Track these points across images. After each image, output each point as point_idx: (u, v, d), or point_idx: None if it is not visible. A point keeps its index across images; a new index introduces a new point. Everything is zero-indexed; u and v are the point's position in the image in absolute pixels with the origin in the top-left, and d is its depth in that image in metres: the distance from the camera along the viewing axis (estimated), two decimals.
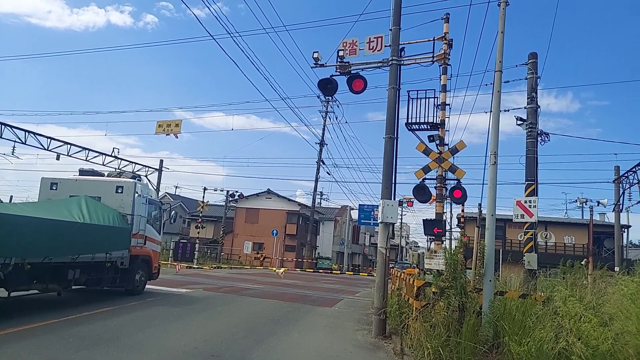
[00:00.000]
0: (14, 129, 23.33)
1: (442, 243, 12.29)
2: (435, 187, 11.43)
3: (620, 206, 22.88)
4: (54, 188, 11.30)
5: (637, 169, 20.28)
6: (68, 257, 8.91)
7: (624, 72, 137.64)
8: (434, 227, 10.62)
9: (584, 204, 24.32)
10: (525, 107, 12.30)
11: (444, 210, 12.77)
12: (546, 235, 32.79)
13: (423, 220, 10.94)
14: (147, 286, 12.46)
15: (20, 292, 8.50)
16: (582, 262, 14.20)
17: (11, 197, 27.44)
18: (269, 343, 7.35)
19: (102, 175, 12.41)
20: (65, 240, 8.68)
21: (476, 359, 6.20)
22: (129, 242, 10.80)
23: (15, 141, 23.47)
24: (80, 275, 9.58)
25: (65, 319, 7.91)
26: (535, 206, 9.49)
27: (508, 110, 12.45)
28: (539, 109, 12.26)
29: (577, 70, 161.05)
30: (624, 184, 21.90)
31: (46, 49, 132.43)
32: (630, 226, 32.06)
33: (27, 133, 23.92)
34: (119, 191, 11.18)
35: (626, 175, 21.59)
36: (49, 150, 25.06)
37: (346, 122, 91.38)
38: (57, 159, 25.44)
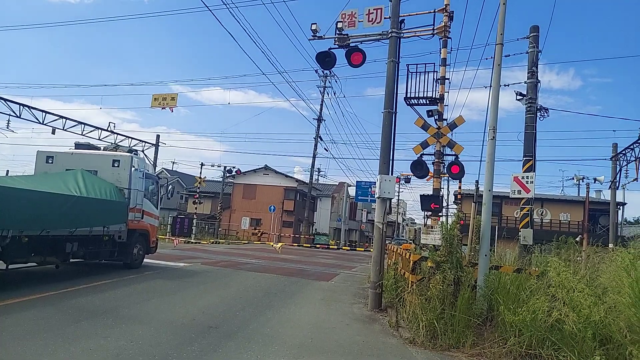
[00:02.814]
0: (8, 103, 23.00)
1: (439, 219, 12.34)
2: (433, 163, 11.41)
3: (617, 183, 22.93)
4: (50, 162, 11.22)
5: (634, 146, 20.23)
6: (65, 230, 8.92)
7: (629, 48, 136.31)
8: (431, 203, 10.64)
9: (581, 181, 24.40)
10: (525, 82, 12.17)
11: (441, 187, 12.79)
12: (542, 212, 32.99)
13: (420, 195, 10.96)
14: (145, 260, 12.54)
15: (18, 265, 8.55)
16: (577, 239, 14.34)
17: (7, 171, 27.36)
18: (266, 315, 7.44)
19: (98, 149, 12.33)
20: (62, 213, 8.67)
21: (470, 331, 6.29)
22: (126, 216, 10.81)
23: (10, 115, 23.17)
24: (78, 249, 9.63)
25: (64, 290, 7.98)
26: (532, 182, 9.47)
27: (508, 85, 12.39)
28: (539, 84, 12.16)
29: (580, 46, 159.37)
30: (621, 162, 21.88)
31: (40, 20, 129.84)
32: (625, 204, 32.30)
33: (21, 107, 23.61)
34: (116, 165, 11.13)
35: (624, 152, 21.56)
36: (45, 125, 24.79)
37: (344, 97, 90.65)
38: (53, 133, 25.22)
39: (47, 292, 7.70)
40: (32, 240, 8.17)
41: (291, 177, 45.91)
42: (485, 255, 7.30)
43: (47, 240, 8.64)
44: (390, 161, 9.36)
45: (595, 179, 20.95)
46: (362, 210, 64.78)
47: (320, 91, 40.00)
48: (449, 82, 12.38)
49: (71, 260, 9.92)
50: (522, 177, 9.62)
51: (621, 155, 21.90)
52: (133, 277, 10.34)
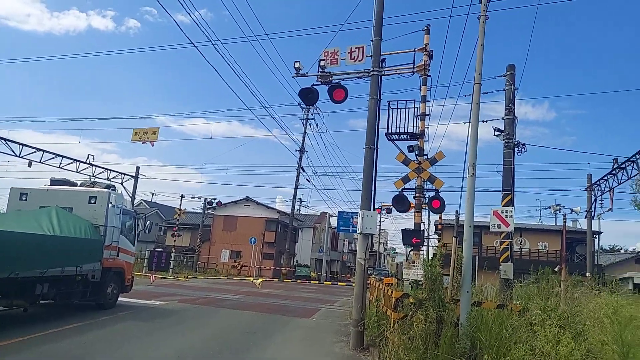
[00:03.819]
0: None
1: (420, 252, 12.36)
2: (414, 197, 11.48)
3: (592, 213, 23.45)
4: (24, 198, 10.90)
5: (608, 177, 20.84)
6: (36, 271, 8.57)
7: (602, 82, 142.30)
8: (413, 237, 10.64)
9: (558, 211, 24.84)
10: (502, 118, 12.47)
11: (422, 220, 12.85)
12: (521, 242, 33.35)
13: (402, 230, 10.97)
14: (119, 299, 12.08)
15: None
16: (556, 269, 14.45)
17: None
18: (244, 359, 7.19)
19: (75, 184, 12.04)
20: (33, 254, 8.34)
21: None
22: (101, 255, 10.48)
23: None
24: (49, 290, 9.22)
25: (32, 336, 7.57)
26: (511, 216, 9.57)
27: (486, 121, 12.62)
28: (516, 120, 12.45)
29: (553, 80, 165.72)
30: (596, 192, 22.47)
31: (24, 52, 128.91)
32: (601, 232, 32.79)
33: None
34: (92, 201, 10.86)
35: (598, 183, 22.17)
36: (21, 157, 24.34)
37: (327, 131, 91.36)
38: (29, 166, 24.74)
39: (13, 338, 7.28)
40: None
41: (272, 209, 45.60)
42: (467, 292, 7.26)
43: (16, 282, 8.25)
44: (372, 197, 9.37)
45: (571, 210, 21.36)
46: (344, 240, 64.47)
47: (302, 123, 40.32)
48: (429, 118, 12.64)
49: (41, 302, 9.50)
50: (502, 212, 9.71)
51: (595, 185, 22.50)
52: (106, 318, 9.92)
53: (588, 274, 21.34)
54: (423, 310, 7.10)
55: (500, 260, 12.07)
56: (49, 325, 8.56)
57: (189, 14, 11.97)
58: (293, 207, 41.40)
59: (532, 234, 35.11)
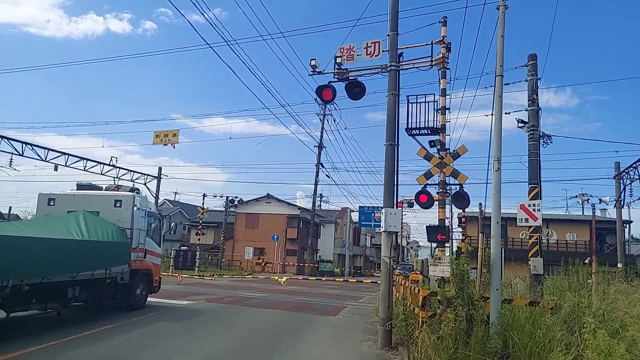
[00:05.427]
0: (10, 141, 23.16)
1: (445, 247, 12.17)
2: (437, 193, 11.29)
3: (622, 202, 22.76)
4: (52, 204, 11.15)
5: (637, 164, 20.15)
6: (67, 275, 8.75)
7: (623, 67, 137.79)
8: (438, 234, 10.48)
9: (586, 201, 24.19)
10: (526, 109, 12.10)
11: (447, 216, 12.63)
12: (548, 233, 32.67)
13: (427, 227, 10.82)
14: (148, 299, 12.29)
15: (19, 313, 8.36)
16: (586, 261, 14.07)
17: (10, 208, 27.29)
18: (274, 359, 7.21)
19: (100, 189, 12.25)
20: (63, 259, 8.53)
21: None
22: (128, 257, 10.65)
23: (12, 153, 23.32)
24: (80, 293, 9.43)
25: (66, 339, 7.74)
26: (539, 210, 9.33)
27: (509, 113, 12.27)
28: (540, 111, 12.08)
29: (575, 66, 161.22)
30: (625, 180, 21.78)
31: (45, 58, 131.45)
32: (631, 222, 31.94)
33: (24, 145, 23.78)
34: (118, 205, 11.03)
35: (627, 171, 21.48)
36: (47, 161, 24.93)
37: (346, 128, 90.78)
38: (55, 169, 25.32)
39: (48, 342, 7.46)
40: (33, 288, 8.01)
41: (293, 205, 45.75)
42: (497, 289, 7.11)
43: (48, 286, 8.46)
44: (395, 194, 9.24)
45: (600, 200, 20.78)
46: (366, 235, 64.25)
47: (320, 119, 40.23)
48: (449, 111, 12.39)
49: (73, 304, 9.72)
50: (529, 205, 9.47)
51: (624, 173, 21.81)
52: (136, 319, 10.09)
53: (619, 265, 20.78)
54: (452, 309, 6.98)
55: (530, 255, 11.77)
56: (82, 328, 8.75)
57: (203, 14, 11.98)
58: (314, 203, 41.43)
59: (559, 225, 34.34)
